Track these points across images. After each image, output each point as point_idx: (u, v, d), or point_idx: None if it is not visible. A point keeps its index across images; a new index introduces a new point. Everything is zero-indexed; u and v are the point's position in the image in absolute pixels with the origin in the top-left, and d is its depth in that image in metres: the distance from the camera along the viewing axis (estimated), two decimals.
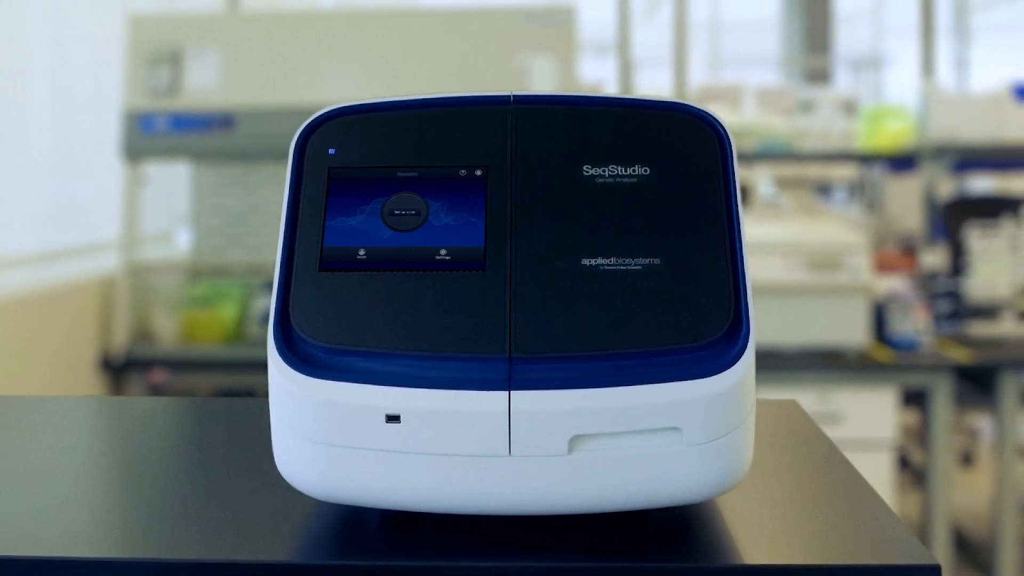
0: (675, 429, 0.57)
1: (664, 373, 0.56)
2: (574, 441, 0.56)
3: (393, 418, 0.56)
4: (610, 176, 0.60)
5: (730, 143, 0.62)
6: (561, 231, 0.59)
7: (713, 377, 0.56)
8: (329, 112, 0.63)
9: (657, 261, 0.58)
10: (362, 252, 0.59)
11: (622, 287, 0.58)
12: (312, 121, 0.63)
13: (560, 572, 0.55)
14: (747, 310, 0.58)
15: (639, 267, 0.58)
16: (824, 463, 0.71)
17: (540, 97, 0.62)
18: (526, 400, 0.56)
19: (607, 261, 0.58)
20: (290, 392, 0.58)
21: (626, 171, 0.60)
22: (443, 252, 0.59)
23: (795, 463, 0.72)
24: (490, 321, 0.57)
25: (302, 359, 0.58)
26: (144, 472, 0.73)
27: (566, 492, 0.57)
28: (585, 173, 0.60)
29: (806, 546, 0.60)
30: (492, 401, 0.56)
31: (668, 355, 0.57)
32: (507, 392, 0.56)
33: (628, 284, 0.58)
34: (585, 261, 0.58)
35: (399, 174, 0.61)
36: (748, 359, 0.57)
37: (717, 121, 0.62)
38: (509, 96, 0.62)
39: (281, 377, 0.58)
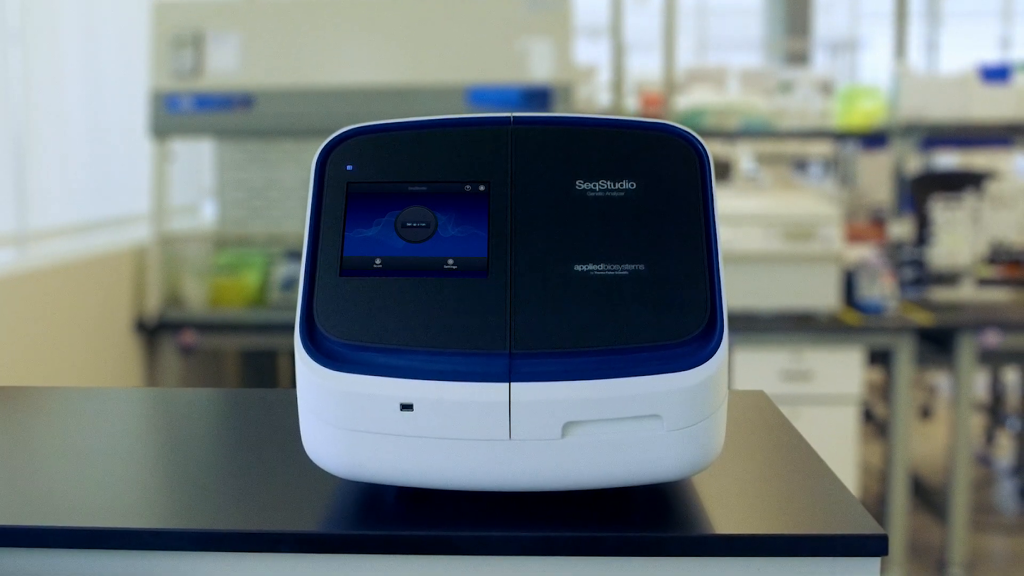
0: (656, 416, 0.59)
1: (647, 367, 0.59)
2: (567, 427, 0.59)
3: (407, 406, 0.59)
4: (600, 190, 0.62)
5: (709, 160, 0.63)
6: (556, 240, 0.61)
7: (690, 371, 0.59)
8: (347, 131, 0.64)
9: (642, 267, 0.60)
10: (378, 261, 0.61)
11: (610, 290, 0.60)
12: (332, 140, 0.64)
13: (554, 541, 0.58)
14: (722, 312, 0.60)
15: (626, 272, 0.60)
16: (788, 446, 0.74)
17: (537, 118, 0.63)
18: (524, 391, 0.58)
19: (597, 267, 0.60)
20: (315, 383, 0.60)
21: (615, 186, 0.62)
22: (450, 262, 0.61)
23: (762, 446, 0.75)
24: (492, 321, 0.59)
25: (326, 354, 0.60)
26: (187, 454, 0.76)
27: (559, 471, 0.60)
28: (578, 187, 0.62)
29: (771, 518, 0.62)
30: (494, 392, 0.58)
31: (651, 351, 0.59)
32: (507, 384, 0.58)
33: (616, 288, 0.60)
34: (578, 267, 0.60)
35: (410, 188, 0.63)
36: (722, 355, 0.59)
37: (698, 140, 0.64)
38: (509, 117, 0.64)
39: (307, 370, 0.60)
